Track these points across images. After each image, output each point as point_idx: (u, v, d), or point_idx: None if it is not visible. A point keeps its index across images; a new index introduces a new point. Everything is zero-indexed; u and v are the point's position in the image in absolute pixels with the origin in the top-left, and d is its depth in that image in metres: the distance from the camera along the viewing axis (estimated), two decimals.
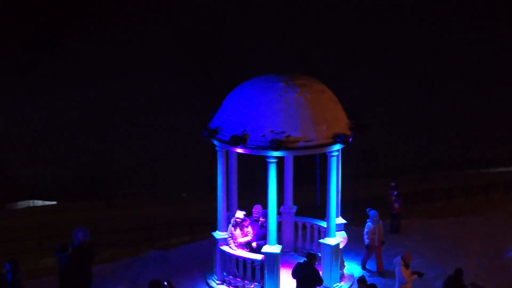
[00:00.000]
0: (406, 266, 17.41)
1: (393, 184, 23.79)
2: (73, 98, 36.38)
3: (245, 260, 18.36)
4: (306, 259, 16.90)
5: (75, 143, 32.75)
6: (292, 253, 20.60)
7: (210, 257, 20.19)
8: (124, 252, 22.52)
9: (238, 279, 18.51)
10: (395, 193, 23.50)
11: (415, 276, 17.46)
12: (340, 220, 19.58)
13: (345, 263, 19.77)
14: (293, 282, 17.14)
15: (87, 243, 18.59)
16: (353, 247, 20.88)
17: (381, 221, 20.08)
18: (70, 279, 17.70)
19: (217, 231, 19.02)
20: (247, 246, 18.95)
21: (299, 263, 17.02)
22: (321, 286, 17.06)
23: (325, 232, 19.07)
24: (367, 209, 20.27)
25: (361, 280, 16.60)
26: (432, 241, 22.64)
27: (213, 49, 40.64)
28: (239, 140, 17.49)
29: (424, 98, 37.68)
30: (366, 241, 20.02)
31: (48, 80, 37.44)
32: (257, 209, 19.53)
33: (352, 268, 20.06)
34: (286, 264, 19.53)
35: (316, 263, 17.22)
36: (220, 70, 39.64)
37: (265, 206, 18.28)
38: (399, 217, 23.57)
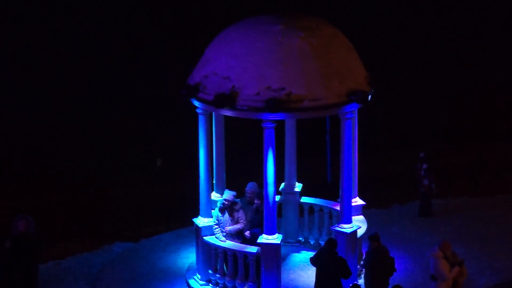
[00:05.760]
0: (446, 258, 17.52)
1: (422, 154, 23.73)
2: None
3: (236, 253, 18.47)
4: (326, 247, 17.11)
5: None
6: (297, 244, 20.75)
7: (191, 251, 20.29)
8: (81, 245, 22.64)
9: (227, 278, 18.64)
10: (425, 166, 23.46)
11: (456, 268, 17.56)
12: (358, 201, 19.67)
13: (364, 256, 19.92)
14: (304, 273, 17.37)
15: (32, 235, 18.63)
16: None
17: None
18: (8, 281, 17.77)
19: (199, 217, 19.11)
20: (238, 235, 19.05)
21: (322, 248, 17.51)
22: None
23: (338, 217, 19.17)
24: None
25: (373, 237, 17.62)
26: (476, 226, 22.81)
27: None
28: (226, 100, 17.52)
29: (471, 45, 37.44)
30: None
31: None
32: (251, 188, 19.60)
33: None
34: (288, 259, 19.66)
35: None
36: (201, 10, 39.39)
37: (261, 185, 18.33)
38: (429, 196, 23.61)
